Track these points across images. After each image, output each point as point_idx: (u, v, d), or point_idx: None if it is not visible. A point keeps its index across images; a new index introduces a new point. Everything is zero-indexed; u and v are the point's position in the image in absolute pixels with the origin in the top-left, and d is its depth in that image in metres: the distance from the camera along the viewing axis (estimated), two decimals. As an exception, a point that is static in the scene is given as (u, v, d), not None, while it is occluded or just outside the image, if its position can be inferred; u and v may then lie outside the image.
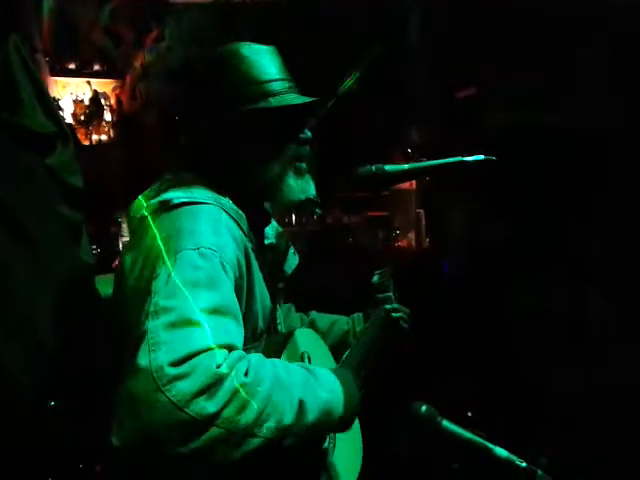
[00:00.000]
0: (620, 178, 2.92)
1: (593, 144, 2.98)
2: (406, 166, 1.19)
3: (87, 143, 4.43)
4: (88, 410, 1.40)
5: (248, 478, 0.96)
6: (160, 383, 0.85)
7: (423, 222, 4.40)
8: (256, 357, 0.98)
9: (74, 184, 1.66)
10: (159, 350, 0.88)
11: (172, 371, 0.86)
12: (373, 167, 1.19)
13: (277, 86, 1.24)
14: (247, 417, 0.89)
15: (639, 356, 2.49)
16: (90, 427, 1.41)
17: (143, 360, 0.88)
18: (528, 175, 3.06)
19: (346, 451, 1.33)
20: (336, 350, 1.48)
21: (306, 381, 1.01)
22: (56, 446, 1.40)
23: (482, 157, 1.16)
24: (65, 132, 1.73)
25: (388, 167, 1.19)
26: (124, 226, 4.38)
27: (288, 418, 0.93)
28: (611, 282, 2.89)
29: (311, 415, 0.97)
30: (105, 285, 1.64)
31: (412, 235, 4.54)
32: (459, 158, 1.17)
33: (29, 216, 1.46)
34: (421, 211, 4.42)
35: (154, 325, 0.92)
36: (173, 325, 0.91)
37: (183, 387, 0.85)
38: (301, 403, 0.96)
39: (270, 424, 0.91)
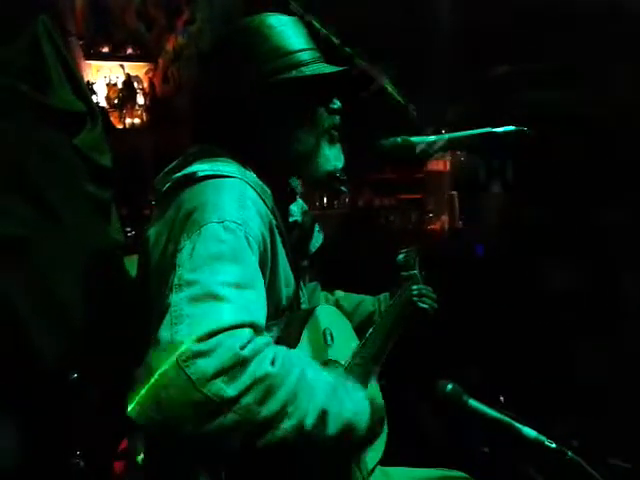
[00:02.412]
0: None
1: (627, 124, 2.88)
2: (433, 137, 1.16)
3: (120, 126, 4.48)
4: (111, 387, 1.42)
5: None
6: (180, 359, 0.83)
7: (456, 204, 4.33)
8: (284, 349, 0.95)
9: (102, 163, 1.67)
10: (181, 324, 0.86)
11: (193, 347, 0.83)
12: (399, 138, 1.17)
13: (307, 55, 1.22)
14: (268, 410, 0.85)
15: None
16: (112, 403, 1.43)
17: (165, 333, 0.87)
18: (561, 157, 2.98)
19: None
20: (361, 331, 1.45)
21: (334, 391, 0.95)
22: (81, 420, 1.43)
23: (513, 128, 1.12)
24: (94, 111, 1.73)
25: (414, 138, 1.16)
26: (157, 209, 4.45)
27: (308, 423, 0.88)
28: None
29: (332, 427, 0.91)
30: (134, 265, 1.66)
31: (445, 218, 4.47)
32: (489, 129, 1.13)
33: (55, 193, 1.47)
34: (454, 193, 4.34)
35: (178, 298, 0.90)
36: (197, 299, 0.89)
37: (203, 365, 0.82)
38: (324, 413, 0.90)
39: (289, 424, 0.86)
